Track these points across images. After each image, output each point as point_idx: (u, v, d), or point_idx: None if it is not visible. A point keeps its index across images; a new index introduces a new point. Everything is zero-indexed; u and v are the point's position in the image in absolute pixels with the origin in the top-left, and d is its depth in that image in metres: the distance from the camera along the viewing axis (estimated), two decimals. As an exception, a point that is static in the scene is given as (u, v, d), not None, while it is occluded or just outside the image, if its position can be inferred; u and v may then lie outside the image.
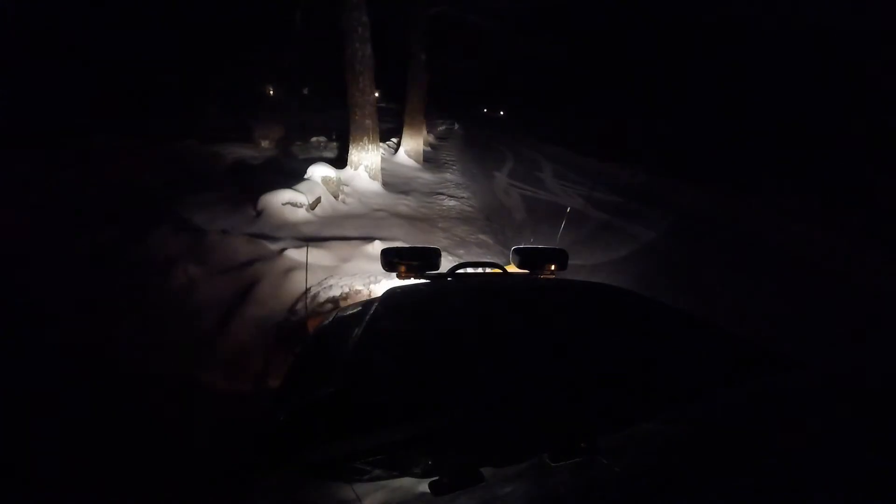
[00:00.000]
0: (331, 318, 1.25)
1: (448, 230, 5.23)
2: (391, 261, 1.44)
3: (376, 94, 6.96)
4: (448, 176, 9.22)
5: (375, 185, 6.70)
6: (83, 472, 1.77)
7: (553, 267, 1.53)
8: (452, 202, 6.93)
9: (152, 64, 10.26)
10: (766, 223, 6.75)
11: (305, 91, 18.97)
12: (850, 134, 10.31)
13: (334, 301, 3.01)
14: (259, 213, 4.76)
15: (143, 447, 1.89)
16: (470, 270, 1.61)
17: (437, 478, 0.64)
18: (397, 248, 1.49)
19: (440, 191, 7.64)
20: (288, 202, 4.86)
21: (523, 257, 1.53)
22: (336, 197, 5.64)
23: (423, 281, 1.43)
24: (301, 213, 4.89)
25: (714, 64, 13.58)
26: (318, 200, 5.22)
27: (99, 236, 3.79)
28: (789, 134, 11.32)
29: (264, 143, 9.84)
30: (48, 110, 7.95)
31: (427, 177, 8.76)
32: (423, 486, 0.67)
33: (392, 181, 7.52)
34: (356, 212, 5.59)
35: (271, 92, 16.55)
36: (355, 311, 1.18)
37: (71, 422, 2.02)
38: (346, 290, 3.05)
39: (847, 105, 10.68)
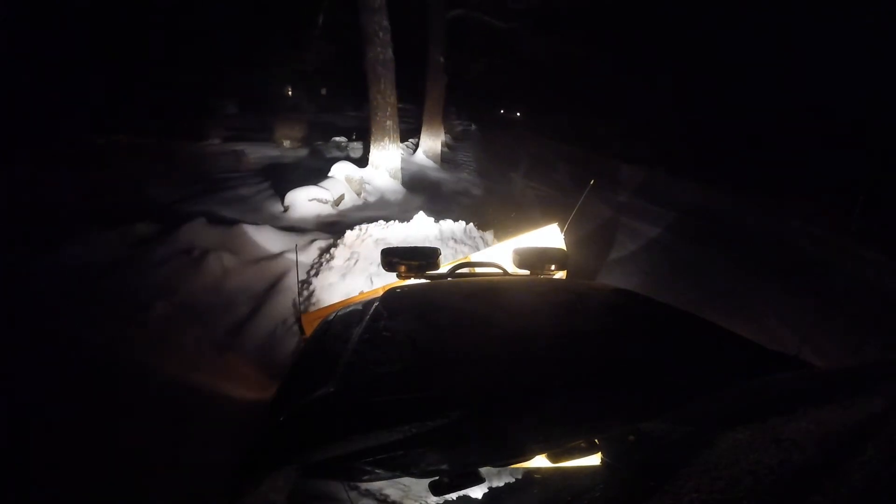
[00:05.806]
0: (331, 318, 1.23)
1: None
2: (391, 261, 1.44)
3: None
4: (465, 176, 9.32)
5: (395, 185, 6.86)
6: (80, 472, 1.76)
7: (553, 267, 1.52)
8: (469, 201, 7.05)
9: (172, 63, 10.12)
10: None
11: (323, 92, 19.11)
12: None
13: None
14: (286, 209, 4.96)
15: (142, 445, 1.89)
16: (470, 270, 1.62)
17: (437, 478, 0.63)
18: (397, 248, 1.48)
19: (458, 190, 7.76)
20: (314, 198, 5.05)
21: (523, 258, 1.51)
22: (358, 194, 5.81)
23: (423, 281, 1.42)
24: (326, 209, 5.07)
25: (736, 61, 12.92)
26: (341, 197, 5.40)
27: (132, 231, 3.95)
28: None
29: (286, 143, 10.01)
30: (65, 109, 7.97)
31: (445, 177, 8.88)
32: (423, 486, 0.64)
33: (411, 180, 7.66)
34: (377, 208, 5.76)
35: (290, 92, 16.71)
36: (355, 310, 1.17)
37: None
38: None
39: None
